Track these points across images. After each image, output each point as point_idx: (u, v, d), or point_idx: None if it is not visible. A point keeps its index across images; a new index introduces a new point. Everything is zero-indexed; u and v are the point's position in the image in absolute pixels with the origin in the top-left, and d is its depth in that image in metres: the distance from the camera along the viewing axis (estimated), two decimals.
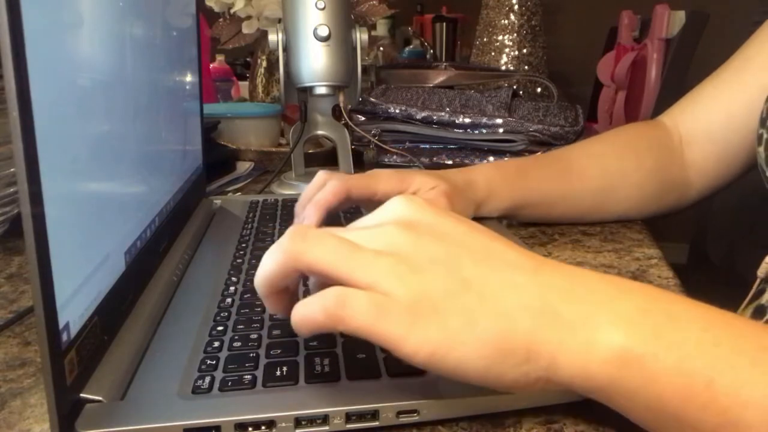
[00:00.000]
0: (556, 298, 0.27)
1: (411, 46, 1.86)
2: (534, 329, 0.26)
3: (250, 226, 0.56)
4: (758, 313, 0.45)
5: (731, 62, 0.59)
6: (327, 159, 0.83)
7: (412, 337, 0.25)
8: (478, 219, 0.55)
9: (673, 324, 0.26)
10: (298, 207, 0.48)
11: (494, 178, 0.54)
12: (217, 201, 0.64)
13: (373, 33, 1.65)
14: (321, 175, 0.48)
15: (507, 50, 1.21)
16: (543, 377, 0.27)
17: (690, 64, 1.22)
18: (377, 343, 0.26)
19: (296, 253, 0.27)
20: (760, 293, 0.46)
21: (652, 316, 0.26)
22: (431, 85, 0.97)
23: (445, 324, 0.26)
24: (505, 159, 0.74)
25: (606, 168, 0.59)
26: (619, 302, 0.27)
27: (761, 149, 0.49)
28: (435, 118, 0.78)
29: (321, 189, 0.47)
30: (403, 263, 0.26)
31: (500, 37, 1.21)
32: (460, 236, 0.29)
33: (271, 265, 0.28)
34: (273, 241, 0.43)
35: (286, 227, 0.46)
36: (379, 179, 0.48)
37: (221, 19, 0.98)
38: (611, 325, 0.26)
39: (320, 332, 0.27)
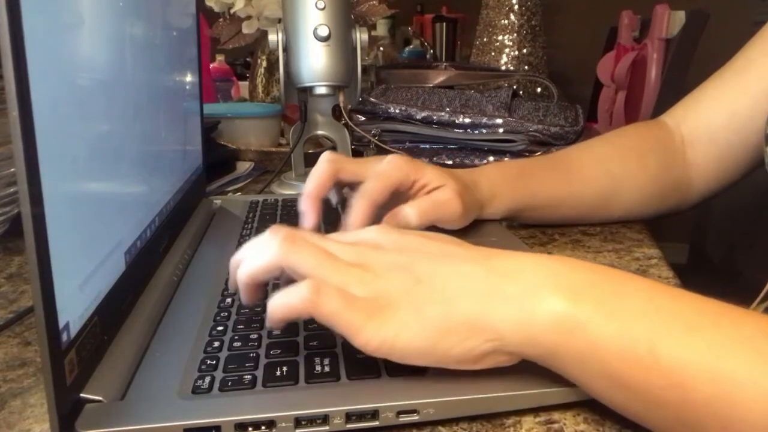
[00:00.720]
0: (502, 279, 0.30)
1: (411, 46, 1.86)
2: (474, 307, 0.29)
3: (250, 226, 0.56)
4: None
5: (733, 63, 0.58)
6: None
7: (367, 328, 0.29)
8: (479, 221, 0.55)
9: (618, 295, 0.29)
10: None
11: (497, 181, 0.54)
12: (217, 201, 0.64)
13: (373, 33, 1.65)
14: (326, 155, 0.48)
15: (507, 50, 1.21)
16: (490, 350, 0.29)
17: (690, 64, 1.22)
18: (339, 330, 0.29)
19: (284, 255, 0.31)
20: None
21: (598, 287, 0.29)
22: (431, 85, 0.97)
23: (395, 315, 0.29)
24: (506, 160, 0.74)
25: (609, 171, 0.58)
26: (567, 276, 0.30)
27: None
28: (435, 118, 0.78)
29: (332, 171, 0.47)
30: (369, 272, 0.31)
31: (500, 37, 1.21)
32: (419, 245, 0.33)
33: (260, 261, 0.32)
34: None
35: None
36: (391, 171, 0.47)
37: (221, 19, 0.98)
38: (555, 294, 0.29)
39: (291, 319, 0.31)
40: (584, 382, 0.29)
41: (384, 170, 0.47)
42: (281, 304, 0.30)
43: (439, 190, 0.49)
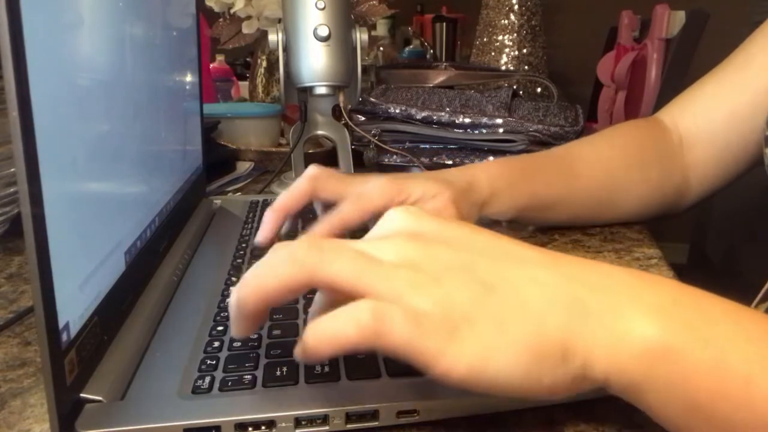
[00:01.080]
0: (582, 290, 0.26)
1: (411, 46, 1.86)
2: (566, 324, 0.25)
3: (250, 226, 0.56)
4: None
5: (733, 60, 0.58)
6: (327, 159, 0.83)
7: (449, 352, 0.24)
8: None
9: (706, 317, 0.25)
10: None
11: (497, 179, 0.53)
12: (217, 201, 0.64)
13: (373, 33, 1.65)
14: (312, 169, 0.46)
15: (507, 50, 1.21)
16: (579, 375, 0.25)
17: (690, 64, 1.22)
18: (412, 360, 0.24)
19: (314, 266, 0.25)
20: None
21: (684, 308, 0.25)
22: (431, 85, 0.97)
23: (477, 334, 0.24)
24: (507, 156, 0.74)
25: (610, 172, 0.58)
26: (648, 292, 0.26)
27: None
28: (435, 118, 0.78)
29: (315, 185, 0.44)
30: (421, 274, 0.25)
31: (500, 37, 1.21)
32: (467, 239, 0.28)
33: (278, 277, 0.25)
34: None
35: (286, 227, 0.46)
36: (372, 194, 0.43)
37: (221, 19, 0.98)
38: (645, 316, 0.25)
39: (345, 353, 0.24)
40: (665, 415, 0.26)
41: (365, 193, 0.43)
42: (331, 336, 0.24)
43: (431, 200, 0.46)
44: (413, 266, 0.25)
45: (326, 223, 0.42)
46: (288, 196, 0.43)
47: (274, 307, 0.27)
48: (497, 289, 0.25)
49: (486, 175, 0.53)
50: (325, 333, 0.24)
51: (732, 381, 0.23)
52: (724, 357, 0.24)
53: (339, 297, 0.26)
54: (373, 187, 0.44)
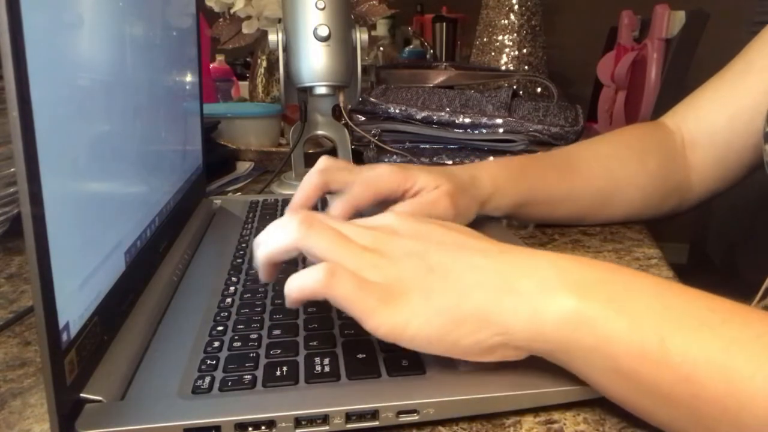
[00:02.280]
0: (515, 274, 0.30)
1: (411, 46, 1.86)
2: (485, 300, 0.29)
3: (250, 226, 0.56)
4: None
5: (733, 65, 0.59)
6: None
7: (379, 312, 0.29)
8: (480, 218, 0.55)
9: (628, 291, 0.29)
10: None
11: (499, 177, 0.54)
12: (217, 201, 0.64)
13: (373, 33, 1.65)
14: (322, 160, 0.49)
15: (507, 50, 1.21)
16: (499, 343, 0.30)
17: (690, 64, 1.22)
18: (351, 313, 0.30)
19: (301, 238, 0.32)
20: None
21: (609, 284, 0.29)
22: (431, 85, 0.97)
23: (407, 302, 0.30)
24: (508, 156, 0.74)
25: (610, 169, 0.58)
26: (577, 273, 0.30)
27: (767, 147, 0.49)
28: (435, 118, 0.78)
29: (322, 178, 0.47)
30: (383, 258, 0.31)
31: (500, 37, 1.21)
32: (435, 235, 0.33)
33: (278, 242, 0.33)
34: None
35: None
36: (380, 179, 0.48)
37: (221, 19, 0.98)
38: (565, 290, 0.29)
39: (307, 300, 0.31)
40: (593, 379, 0.29)
41: (371, 178, 0.47)
42: (296, 286, 0.31)
43: (430, 192, 0.48)
44: (379, 251, 0.32)
45: (338, 204, 0.45)
46: (302, 193, 0.47)
47: (279, 261, 0.34)
48: (438, 271, 0.31)
49: (487, 173, 0.54)
50: (294, 283, 0.31)
51: (647, 341, 0.27)
52: (639, 323, 0.27)
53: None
54: (382, 172, 0.48)
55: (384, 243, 0.32)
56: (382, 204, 0.47)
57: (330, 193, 0.48)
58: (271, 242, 0.34)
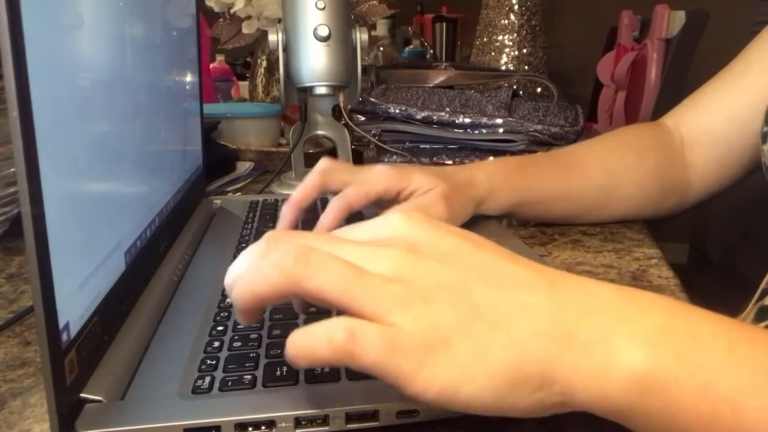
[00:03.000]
0: (571, 318, 0.25)
1: (411, 46, 1.86)
2: (547, 355, 0.25)
3: (250, 226, 0.56)
4: (763, 314, 0.45)
5: (732, 66, 0.59)
6: None
7: (422, 374, 0.24)
8: (477, 217, 0.55)
9: (696, 344, 0.25)
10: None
11: (496, 176, 0.54)
12: (217, 201, 0.64)
13: (373, 33, 1.64)
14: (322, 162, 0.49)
15: (507, 50, 1.21)
16: (558, 402, 0.25)
17: (690, 64, 1.22)
18: (384, 379, 0.24)
19: (299, 278, 0.25)
20: (765, 294, 0.46)
21: (674, 336, 0.25)
22: (431, 85, 0.97)
23: (454, 358, 0.24)
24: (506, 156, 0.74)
25: (607, 166, 0.59)
26: (638, 320, 0.26)
27: (766, 147, 0.49)
28: (435, 118, 0.78)
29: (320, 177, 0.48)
30: (411, 291, 0.25)
31: (500, 37, 1.21)
32: (467, 256, 0.27)
33: (265, 284, 0.26)
34: None
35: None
36: (375, 179, 0.48)
37: (221, 19, 0.98)
38: (631, 345, 0.25)
39: (317, 366, 0.25)
40: None
41: (368, 178, 0.48)
42: (304, 349, 0.25)
43: (424, 193, 0.48)
44: (404, 281, 0.25)
45: (333, 206, 0.46)
46: (301, 191, 0.48)
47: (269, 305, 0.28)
48: (485, 314, 0.25)
49: (484, 172, 0.54)
50: (301, 347, 0.25)
51: (720, 409, 0.23)
52: (712, 385, 0.24)
53: (327, 307, 0.26)
54: (377, 172, 0.48)
55: (407, 268, 0.26)
56: (378, 204, 0.48)
57: (330, 193, 0.48)
58: (254, 281, 0.26)
